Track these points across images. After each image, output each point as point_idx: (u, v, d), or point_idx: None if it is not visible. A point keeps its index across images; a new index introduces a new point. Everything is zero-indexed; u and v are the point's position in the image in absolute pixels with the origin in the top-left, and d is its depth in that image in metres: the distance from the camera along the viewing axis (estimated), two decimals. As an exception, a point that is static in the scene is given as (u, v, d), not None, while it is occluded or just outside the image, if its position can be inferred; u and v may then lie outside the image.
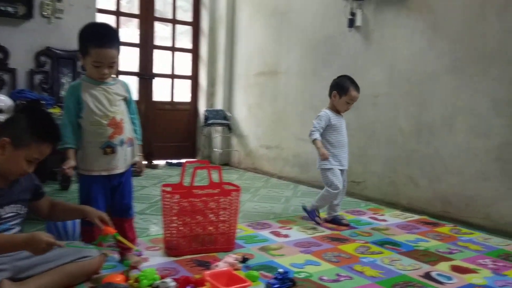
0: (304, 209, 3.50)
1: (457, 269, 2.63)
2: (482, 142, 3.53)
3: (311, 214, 3.43)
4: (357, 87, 3.30)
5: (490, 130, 3.49)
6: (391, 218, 3.74)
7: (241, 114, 6.03)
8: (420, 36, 3.94)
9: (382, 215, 3.83)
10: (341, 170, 3.36)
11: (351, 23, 4.39)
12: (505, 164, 3.41)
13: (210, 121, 5.90)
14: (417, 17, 3.95)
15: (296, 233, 3.20)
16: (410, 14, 4.01)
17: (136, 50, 5.83)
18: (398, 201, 4.13)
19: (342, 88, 3.30)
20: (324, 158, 3.26)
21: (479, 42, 3.54)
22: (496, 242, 3.18)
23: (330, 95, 3.38)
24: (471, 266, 2.68)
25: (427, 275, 2.51)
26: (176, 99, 6.26)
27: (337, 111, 3.37)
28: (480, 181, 3.55)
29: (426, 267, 2.63)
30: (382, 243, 3.04)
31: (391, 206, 4.11)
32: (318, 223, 3.40)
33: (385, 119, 4.24)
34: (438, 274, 2.53)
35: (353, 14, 4.38)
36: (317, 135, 3.27)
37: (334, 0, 4.57)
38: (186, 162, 2.93)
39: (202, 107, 6.28)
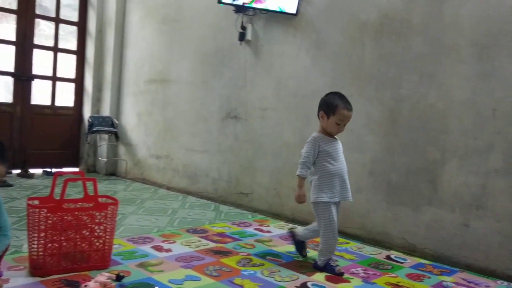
0: (316, 267, 2.84)
1: (331, 278, 2.74)
2: (357, 157, 3.76)
3: (329, 270, 2.79)
4: (347, 104, 2.74)
5: (364, 146, 3.74)
6: (276, 229, 3.82)
7: (130, 122, 5.80)
8: (305, 54, 4.12)
9: (267, 226, 3.90)
10: (336, 203, 2.84)
11: (242, 36, 4.45)
12: (376, 178, 3.67)
13: (95, 128, 5.58)
14: (303, 36, 4.13)
15: (179, 247, 3.12)
16: (297, 33, 4.17)
17: (12, 49, 5.34)
18: (282, 212, 4.24)
19: (330, 107, 2.74)
20: (299, 201, 2.77)
21: (356, 64, 3.79)
22: (369, 251, 3.39)
23: (318, 115, 2.83)
24: (345, 275, 2.81)
25: (304, 286, 2.59)
26: (58, 103, 5.84)
27: (328, 133, 2.82)
28: (355, 193, 3.77)
29: (303, 278, 2.71)
30: (264, 255, 3.08)
31: (276, 217, 4.21)
32: (342, 272, 2.80)
33: (272, 132, 4.35)
34: (314, 285, 2.62)
35: (244, 28, 4.44)
36: (302, 171, 2.74)
37: (226, 12, 4.60)
38: (57, 173, 2.70)
39: (87, 113, 5.93)
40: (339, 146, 2.86)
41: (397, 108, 3.57)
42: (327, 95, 2.83)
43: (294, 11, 4.09)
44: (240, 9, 4.34)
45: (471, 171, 3.18)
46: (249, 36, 4.44)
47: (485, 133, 3.13)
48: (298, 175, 2.75)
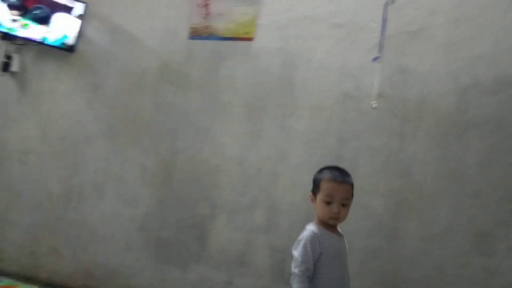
0: None
1: None
2: (128, 210, 3.49)
3: None
4: (337, 173, 1.95)
5: (136, 199, 3.50)
6: (23, 295, 3.20)
7: None
8: (80, 95, 3.75)
9: (13, 292, 3.24)
10: None
11: (6, 67, 3.85)
12: (148, 234, 3.43)
13: None
14: (79, 75, 3.77)
15: None
16: (72, 71, 3.79)
17: None
18: (37, 275, 3.62)
19: (314, 183, 1.99)
20: None
21: (134, 112, 3.59)
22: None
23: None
24: None
25: None
26: None
27: (327, 225, 1.94)
28: (123, 251, 3.46)
29: None
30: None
31: (29, 281, 3.56)
32: None
33: (33, 179, 3.77)
34: None
35: (9, 57, 3.86)
36: (303, 285, 1.81)
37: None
38: None
39: None
40: (344, 242, 1.98)
41: (173, 161, 3.46)
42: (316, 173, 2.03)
43: (69, 47, 3.72)
44: (6, 36, 3.77)
45: (237, 228, 3.21)
46: (15, 67, 3.87)
47: (250, 190, 3.22)
48: None
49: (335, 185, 1.88)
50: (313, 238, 1.83)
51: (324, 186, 1.89)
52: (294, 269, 1.80)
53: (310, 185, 3.06)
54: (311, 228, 1.89)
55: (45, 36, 3.71)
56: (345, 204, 1.88)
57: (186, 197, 3.38)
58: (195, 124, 3.42)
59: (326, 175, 1.93)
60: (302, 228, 3.06)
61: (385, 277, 2.84)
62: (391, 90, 2.93)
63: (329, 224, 1.89)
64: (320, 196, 1.90)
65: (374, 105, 2.88)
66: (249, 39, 3.35)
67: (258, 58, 3.32)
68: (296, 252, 1.84)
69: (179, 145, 3.45)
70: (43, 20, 3.71)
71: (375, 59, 2.86)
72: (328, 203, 1.86)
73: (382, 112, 2.94)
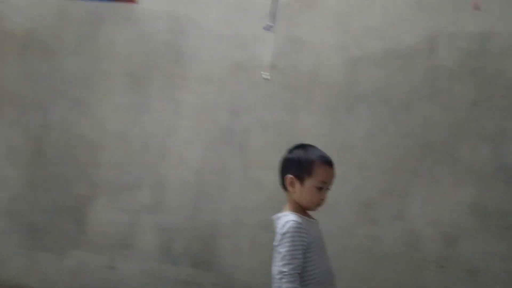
0: None
1: None
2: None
3: None
4: (323, 154, 1.74)
5: (2, 181, 3.05)
6: None
7: None
8: None
9: None
10: None
11: None
12: (16, 219, 3.03)
13: None
14: None
15: None
16: None
17: None
18: None
19: (302, 166, 1.69)
20: None
21: (-5, 80, 3.10)
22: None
23: (283, 185, 1.73)
24: None
25: None
26: None
27: (303, 211, 1.70)
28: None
29: None
30: None
31: None
32: None
33: None
34: None
35: None
36: (294, 285, 1.55)
37: None
38: None
39: None
40: (320, 228, 1.77)
41: (44, 136, 3.05)
42: (290, 151, 1.78)
43: None
44: None
45: (120, 208, 2.95)
46: None
47: (135, 167, 2.97)
48: None
49: (329, 169, 1.67)
50: (299, 229, 1.57)
51: (319, 170, 1.64)
52: (283, 268, 1.54)
53: (200, 160, 2.89)
54: (291, 217, 1.60)
55: None
56: (329, 189, 1.70)
57: (60, 177, 3.01)
58: (70, 95, 3.05)
59: (317, 157, 1.67)
60: (193, 207, 2.93)
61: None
62: (284, 61, 2.86)
63: (303, 210, 1.67)
64: (311, 182, 1.64)
65: (266, 77, 2.79)
66: (133, 1, 3.04)
67: (142, 22, 3.03)
68: (282, 248, 1.56)
69: (51, 118, 3.06)
70: None
71: (267, 28, 2.76)
72: (321, 188, 1.65)
73: (274, 84, 2.87)
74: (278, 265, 1.54)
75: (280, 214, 1.64)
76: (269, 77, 2.82)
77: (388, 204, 2.63)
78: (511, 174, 2.36)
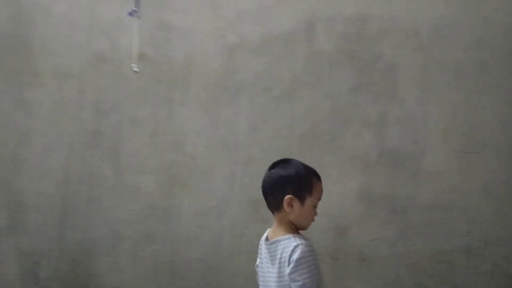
0: None
1: None
2: None
3: None
4: (314, 170, 1.57)
5: None
6: None
7: None
8: None
9: None
10: None
11: None
12: None
13: None
14: None
15: None
16: None
17: None
18: None
19: (302, 183, 1.50)
20: None
21: None
22: None
23: (276, 207, 1.51)
24: None
25: None
26: None
27: (297, 231, 1.53)
28: None
29: None
30: None
31: None
32: None
33: None
34: None
35: None
36: None
37: None
38: None
39: None
40: None
41: None
42: (280, 166, 1.56)
43: None
44: None
45: (-36, 238, 2.43)
46: None
47: (-20, 185, 2.47)
48: None
49: (321, 185, 1.56)
50: (312, 252, 1.42)
51: (317, 188, 1.53)
52: None
53: (63, 169, 2.51)
54: (300, 240, 1.43)
55: None
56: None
57: None
58: None
59: (313, 173, 1.54)
60: (57, 224, 2.53)
61: (161, 263, 2.56)
62: (153, 51, 2.56)
63: (297, 230, 1.52)
64: (311, 201, 1.50)
65: (135, 69, 2.48)
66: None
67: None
68: (300, 276, 1.39)
69: None
70: None
71: (131, 13, 2.43)
72: (315, 207, 1.53)
73: (146, 76, 2.58)
74: None
75: (279, 238, 1.45)
76: (138, 70, 2.50)
77: (277, 199, 2.49)
78: (393, 159, 2.36)
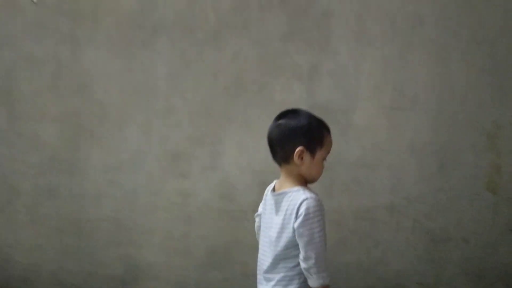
0: None
1: None
2: None
3: None
4: (325, 123, 1.49)
5: None
6: None
7: None
8: None
9: None
10: None
11: None
12: None
13: None
14: None
15: None
16: None
17: None
18: None
19: (314, 136, 1.42)
20: None
21: None
22: None
23: (285, 159, 1.41)
24: None
25: None
26: None
27: (306, 185, 1.45)
28: None
29: None
30: None
31: None
32: None
33: None
34: None
35: None
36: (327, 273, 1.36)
37: None
38: None
39: None
40: None
41: None
42: (290, 116, 1.48)
43: None
44: None
45: None
46: None
47: None
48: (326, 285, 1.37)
49: (331, 139, 1.50)
50: (321, 206, 1.39)
51: (327, 141, 1.47)
52: (317, 254, 1.35)
53: None
54: (310, 194, 1.38)
55: None
56: None
57: None
58: None
59: (324, 126, 1.48)
60: None
61: (65, 220, 2.32)
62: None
63: (306, 184, 1.47)
64: (321, 154, 1.46)
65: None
66: None
67: None
68: (310, 231, 1.35)
69: None
70: None
71: None
72: (325, 160, 1.49)
73: (45, 8, 2.21)
74: (311, 251, 1.34)
75: (287, 190, 1.41)
76: (35, 1, 2.13)
77: (198, 154, 2.29)
78: (323, 114, 2.22)
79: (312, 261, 1.33)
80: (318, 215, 1.35)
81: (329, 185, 2.26)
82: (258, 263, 1.46)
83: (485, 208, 2.19)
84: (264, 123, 2.26)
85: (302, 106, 2.26)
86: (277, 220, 1.39)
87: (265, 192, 1.51)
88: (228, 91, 2.25)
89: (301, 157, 1.40)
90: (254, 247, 1.57)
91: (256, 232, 1.55)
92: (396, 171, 2.23)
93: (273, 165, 2.29)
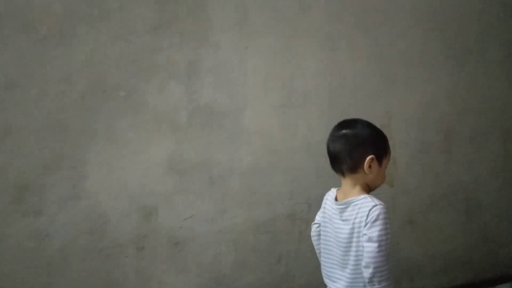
0: None
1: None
2: None
3: None
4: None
5: None
6: None
7: None
8: None
9: None
10: None
11: None
12: None
13: None
14: None
15: None
16: None
17: None
18: None
19: (381, 144, 1.48)
20: None
21: None
22: None
23: (353, 169, 1.42)
24: None
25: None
26: None
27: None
28: None
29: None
30: None
31: None
32: None
33: None
34: None
35: None
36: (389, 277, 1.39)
37: None
38: None
39: None
40: None
41: None
42: (352, 126, 1.46)
43: None
44: None
45: None
46: None
47: None
48: None
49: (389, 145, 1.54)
50: (387, 214, 1.38)
51: (389, 148, 1.51)
52: (381, 263, 1.32)
53: None
54: (379, 201, 1.39)
55: None
56: None
57: None
58: None
59: (384, 134, 1.51)
60: None
61: None
62: None
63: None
64: (386, 161, 1.49)
65: None
66: None
67: None
68: (379, 238, 1.33)
69: None
70: None
71: None
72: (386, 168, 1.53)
73: None
74: (374, 256, 1.34)
75: (354, 198, 1.40)
76: None
77: (53, 181, 1.78)
78: (207, 118, 1.91)
79: (373, 269, 1.33)
80: (387, 223, 1.37)
81: (221, 199, 1.97)
82: (323, 271, 1.48)
83: (384, 202, 2.10)
84: (136, 135, 1.86)
85: (183, 109, 1.93)
86: (346, 228, 1.39)
87: (324, 201, 1.51)
88: (86, 100, 1.79)
89: (370, 165, 1.40)
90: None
91: (313, 239, 1.55)
92: (293, 175, 2.03)
93: (153, 185, 1.92)
